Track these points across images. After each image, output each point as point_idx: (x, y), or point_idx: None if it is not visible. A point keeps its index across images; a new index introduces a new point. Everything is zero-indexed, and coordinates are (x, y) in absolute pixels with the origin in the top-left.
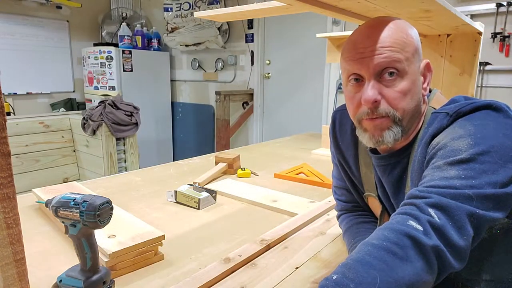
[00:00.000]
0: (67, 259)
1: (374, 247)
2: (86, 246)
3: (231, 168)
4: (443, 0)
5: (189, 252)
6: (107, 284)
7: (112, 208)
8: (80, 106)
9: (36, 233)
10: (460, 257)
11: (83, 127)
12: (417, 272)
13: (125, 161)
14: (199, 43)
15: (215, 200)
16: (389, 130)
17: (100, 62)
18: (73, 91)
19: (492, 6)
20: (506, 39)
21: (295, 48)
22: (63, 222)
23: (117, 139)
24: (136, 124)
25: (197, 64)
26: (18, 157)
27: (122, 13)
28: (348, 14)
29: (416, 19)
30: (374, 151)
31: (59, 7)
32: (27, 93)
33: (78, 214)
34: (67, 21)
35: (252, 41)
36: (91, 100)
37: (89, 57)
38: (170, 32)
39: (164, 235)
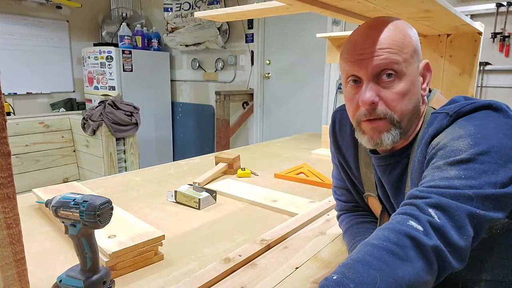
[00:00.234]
0: (67, 259)
1: (374, 247)
2: (86, 246)
3: (231, 168)
4: (443, 0)
5: (189, 252)
6: (107, 284)
7: (112, 208)
8: (80, 106)
9: (36, 233)
10: (460, 257)
11: (83, 127)
12: (417, 272)
13: (125, 161)
14: (199, 43)
15: (215, 200)
16: (387, 133)
17: (100, 62)
18: (73, 91)
19: (492, 6)
20: (506, 39)
21: (295, 48)
22: (63, 222)
23: (117, 139)
24: (136, 124)
25: (197, 64)
26: (18, 157)
27: (122, 13)
28: (348, 14)
29: (416, 19)
30: (374, 151)
31: (59, 7)
32: (27, 93)
33: (78, 214)
34: (67, 21)
35: (252, 41)
36: (91, 100)
37: (89, 57)
38: (170, 32)
39: (164, 235)
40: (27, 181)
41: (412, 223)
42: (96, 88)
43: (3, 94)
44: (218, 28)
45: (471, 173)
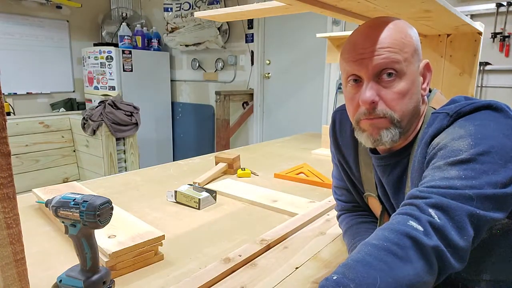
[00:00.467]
0: (67, 259)
1: (374, 247)
2: (86, 246)
3: (231, 168)
4: (443, 0)
5: (189, 252)
6: (107, 284)
7: (112, 208)
8: (80, 106)
9: (36, 233)
10: (461, 257)
11: (83, 127)
12: (418, 273)
13: (125, 161)
14: (199, 43)
15: (215, 200)
16: (387, 130)
17: (100, 62)
18: (73, 91)
19: (492, 6)
20: (506, 39)
21: (295, 48)
22: (63, 222)
23: (117, 139)
24: (136, 124)
25: (197, 64)
26: (18, 157)
27: (122, 13)
28: (348, 14)
29: (416, 19)
30: (374, 151)
31: (59, 7)
32: (27, 93)
33: (78, 214)
34: (67, 21)
35: (252, 41)
36: (91, 100)
37: (89, 57)
38: (170, 32)
39: (164, 235)
40: (27, 181)
41: (413, 223)
42: (96, 88)
43: (3, 94)
44: (218, 28)
45: (471, 173)
